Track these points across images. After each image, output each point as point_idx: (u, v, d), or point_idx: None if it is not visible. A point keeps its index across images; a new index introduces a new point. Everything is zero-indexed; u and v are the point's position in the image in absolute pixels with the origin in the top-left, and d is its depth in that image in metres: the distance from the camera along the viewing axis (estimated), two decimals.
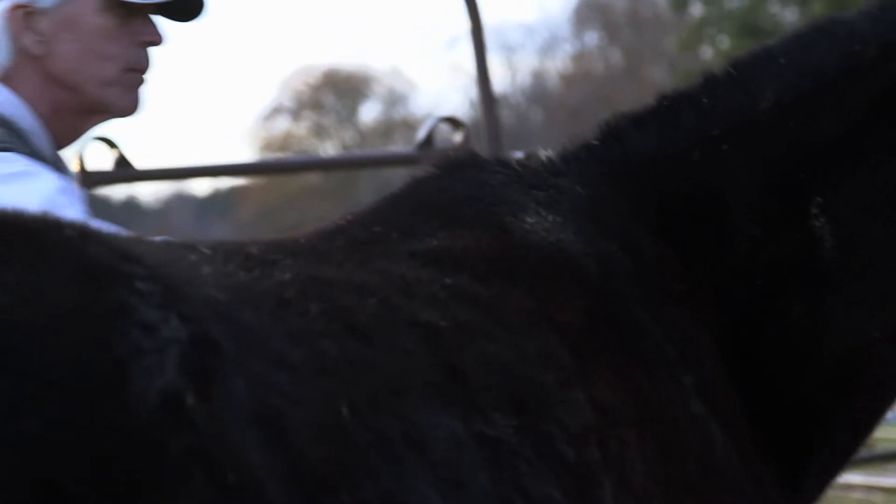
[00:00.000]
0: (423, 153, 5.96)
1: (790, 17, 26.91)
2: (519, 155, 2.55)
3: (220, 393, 1.54)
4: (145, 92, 3.08)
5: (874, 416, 2.54)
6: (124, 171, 5.81)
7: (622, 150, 2.47)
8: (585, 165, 2.44)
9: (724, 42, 27.74)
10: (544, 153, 2.45)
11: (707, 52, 28.62)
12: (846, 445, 2.53)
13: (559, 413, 1.96)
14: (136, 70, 3.04)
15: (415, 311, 1.95)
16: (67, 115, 3.03)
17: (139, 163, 6.01)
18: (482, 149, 5.81)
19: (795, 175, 2.44)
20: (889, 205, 2.44)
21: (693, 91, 2.53)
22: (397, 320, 1.91)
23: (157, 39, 3.04)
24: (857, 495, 10.12)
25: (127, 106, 3.06)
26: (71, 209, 2.77)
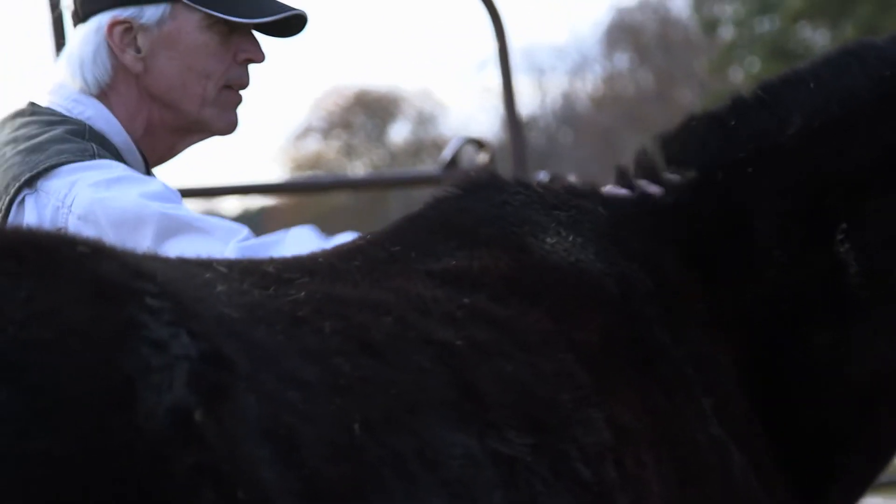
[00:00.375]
0: (449, 173, 5.96)
1: (821, 40, 26.84)
2: (543, 176, 2.55)
3: (232, 409, 1.54)
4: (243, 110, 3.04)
5: (895, 441, 2.52)
6: None
7: (648, 172, 2.47)
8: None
9: (755, 65, 27.67)
10: (566, 176, 2.45)
11: (737, 75, 28.55)
12: (867, 469, 2.51)
13: (576, 432, 1.95)
14: (235, 88, 3.00)
15: (431, 329, 1.94)
16: (163, 133, 3.00)
17: (169, 182, 5.99)
18: (510, 170, 5.81)
19: (821, 200, 2.42)
20: None
21: (721, 113, 2.52)
22: (413, 338, 1.91)
23: (258, 57, 3.00)
24: None
25: (224, 125, 3.02)
26: (181, 208, 2.77)
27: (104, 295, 1.52)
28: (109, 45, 2.94)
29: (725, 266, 2.40)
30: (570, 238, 2.26)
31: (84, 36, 2.97)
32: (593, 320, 2.14)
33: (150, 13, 2.95)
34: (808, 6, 29.51)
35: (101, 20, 2.95)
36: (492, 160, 6.12)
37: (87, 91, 2.95)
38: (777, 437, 2.35)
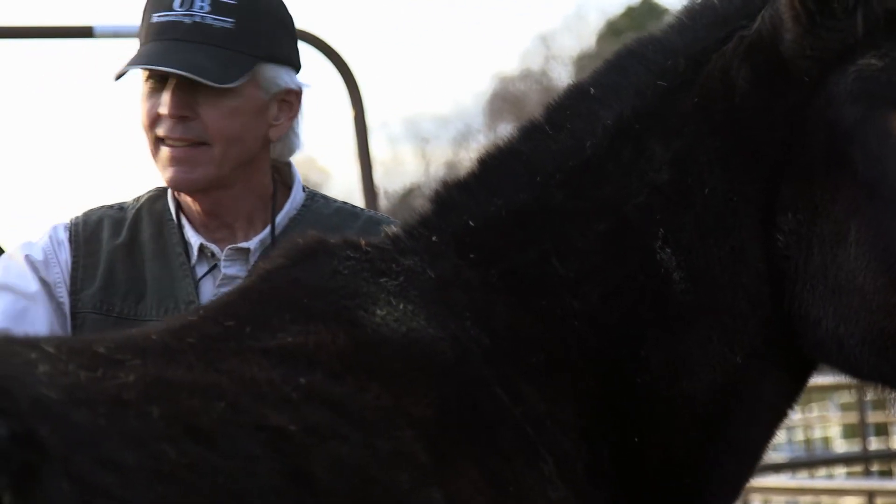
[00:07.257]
0: None
1: None
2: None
3: (42, 492, 1.49)
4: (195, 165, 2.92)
5: (760, 444, 2.40)
6: None
7: (460, 218, 2.36)
8: (430, 241, 2.33)
9: None
10: (392, 231, 2.36)
11: None
12: (733, 480, 2.40)
13: None
14: (168, 142, 2.92)
15: (264, 414, 1.88)
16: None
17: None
18: None
19: (633, 210, 2.31)
20: (722, 220, 2.31)
21: (514, 145, 2.43)
22: (245, 424, 1.85)
23: (162, 110, 2.89)
24: None
25: (168, 182, 2.97)
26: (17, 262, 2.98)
27: None
28: None
29: (554, 300, 2.29)
30: (401, 307, 2.18)
31: None
32: (429, 392, 2.08)
33: None
34: None
35: None
36: None
37: None
38: (631, 480, 2.27)
